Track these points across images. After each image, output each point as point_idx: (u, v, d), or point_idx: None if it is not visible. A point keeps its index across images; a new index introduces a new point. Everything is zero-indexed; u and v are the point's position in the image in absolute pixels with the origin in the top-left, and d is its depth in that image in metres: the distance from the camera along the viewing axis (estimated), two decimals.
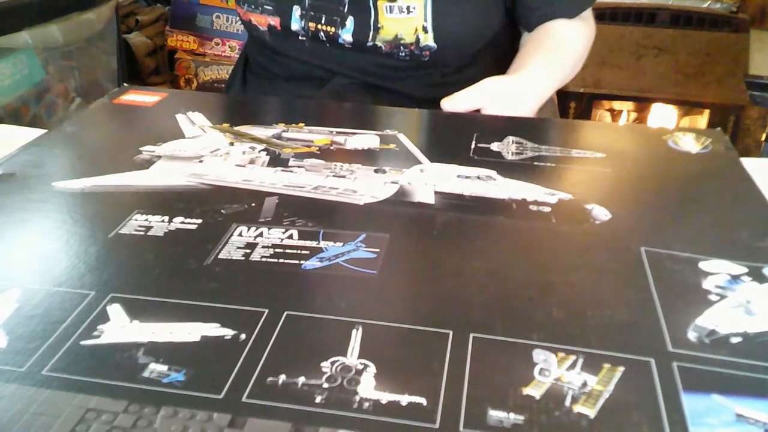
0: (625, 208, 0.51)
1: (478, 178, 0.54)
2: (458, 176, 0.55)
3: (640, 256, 0.44)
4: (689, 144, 0.61)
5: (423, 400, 0.32)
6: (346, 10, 0.78)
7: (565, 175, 0.56)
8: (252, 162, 0.57)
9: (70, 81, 1.60)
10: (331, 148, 0.60)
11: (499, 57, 0.87)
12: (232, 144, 0.60)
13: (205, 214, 0.49)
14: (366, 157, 0.58)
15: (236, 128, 0.64)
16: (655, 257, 0.44)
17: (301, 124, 0.65)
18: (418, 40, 0.77)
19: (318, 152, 0.59)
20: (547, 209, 0.50)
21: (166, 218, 0.48)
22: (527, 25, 0.85)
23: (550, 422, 0.31)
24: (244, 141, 0.61)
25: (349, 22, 0.78)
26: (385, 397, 0.32)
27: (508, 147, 0.60)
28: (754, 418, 0.31)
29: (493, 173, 0.55)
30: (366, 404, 0.32)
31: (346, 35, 0.79)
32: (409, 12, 0.76)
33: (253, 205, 0.50)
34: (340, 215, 0.50)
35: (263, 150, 0.59)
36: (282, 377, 0.34)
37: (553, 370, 0.34)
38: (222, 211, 0.49)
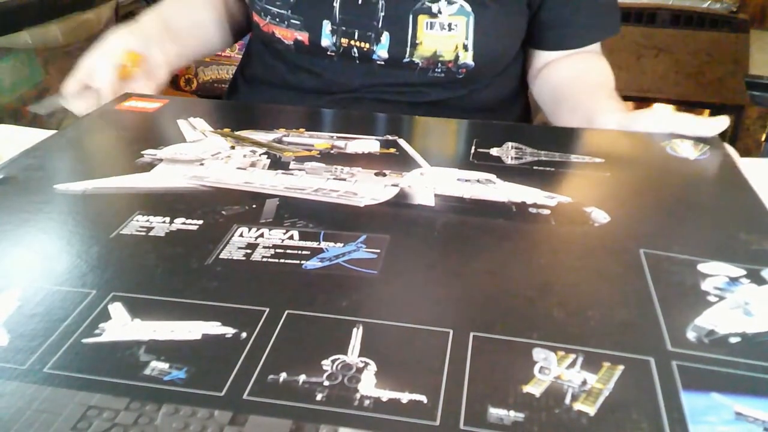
0: (624, 211, 0.51)
1: (478, 181, 0.55)
2: (458, 179, 0.55)
3: (639, 257, 0.44)
4: (687, 150, 0.61)
5: (423, 398, 0.32)
6: (380, 25, 0.75)
7: (564, 179, 0.56)
8: (253, 165, 0.57)
9: None
10: (332, 152, 0.60)
11: (518, 70, 0.88)
12: (233, 148, 0.61)
13: (206, 215, 0.49)
14: (366, 160, 0.59)
15: (237, 132, 0.64)
16: (653, 259, 0.44)
17: (301, 130, 0.65)
18: (457, 57, 0.76)
19: (318, 156, 0.59)
20: (547, 212, 0.50)
21: (168, 219, 0.48)
22: (571, 43, 0.83)
23: (551, 420, 0.31)
24: (245, 145, 0.61)
25: (384, 37, 0.76)
26: (386, 394, 0.33)
27: (507, 152, 0.60)
28: (753, 417, 0.32)
29: (492, 177, 0.55)
30: (367, 402, 0.32)
31: (381, 51, 0.76)
32: (450, 29, 0.74)
33: (254, 206, 0.50)
34: (341, 217, 0.50)
35: (264, 153, 0.60)
36: (283, 375, 0.34)
37: (553, 369, 0.34)
38: (223, 212, 0.49)
